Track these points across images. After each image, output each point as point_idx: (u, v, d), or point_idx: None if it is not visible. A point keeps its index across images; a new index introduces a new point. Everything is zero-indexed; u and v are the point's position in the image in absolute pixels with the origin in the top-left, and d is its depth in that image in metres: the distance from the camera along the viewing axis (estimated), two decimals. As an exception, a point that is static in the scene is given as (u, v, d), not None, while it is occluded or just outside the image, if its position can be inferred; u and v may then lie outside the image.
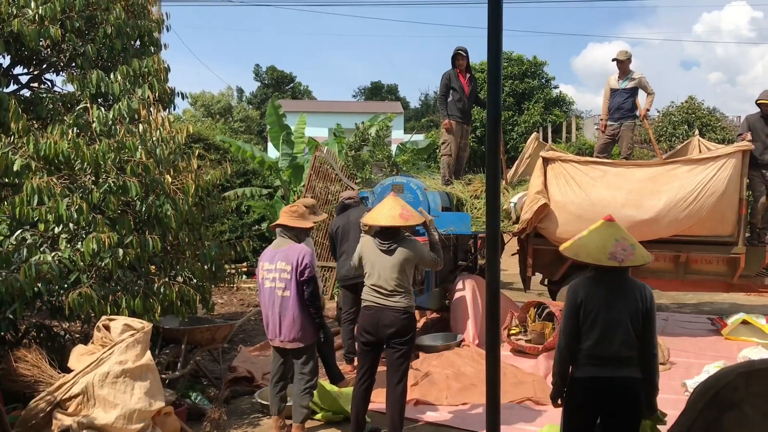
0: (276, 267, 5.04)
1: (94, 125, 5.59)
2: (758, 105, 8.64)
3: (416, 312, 8.49)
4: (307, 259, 5.03)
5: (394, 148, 15.57)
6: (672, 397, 5.74)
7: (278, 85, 52.46)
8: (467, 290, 8.06)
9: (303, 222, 5.23)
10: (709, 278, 8.56)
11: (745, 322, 8.35)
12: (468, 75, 9.53)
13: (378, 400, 5.45)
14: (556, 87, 31.62)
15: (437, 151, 12.72)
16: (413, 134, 23.64)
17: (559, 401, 3.76)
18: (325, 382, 5.66)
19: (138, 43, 6.90)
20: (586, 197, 8.03)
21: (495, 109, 2.69)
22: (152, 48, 6.99)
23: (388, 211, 5.00)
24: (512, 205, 8.73)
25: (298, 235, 5.22)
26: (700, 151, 8.99)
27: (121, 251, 5.09)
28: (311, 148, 14.26)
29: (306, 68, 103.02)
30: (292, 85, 53.83)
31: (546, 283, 9.38)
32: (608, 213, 4.06)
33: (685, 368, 6.96)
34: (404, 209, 5.02)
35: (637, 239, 3.86)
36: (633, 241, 3.66)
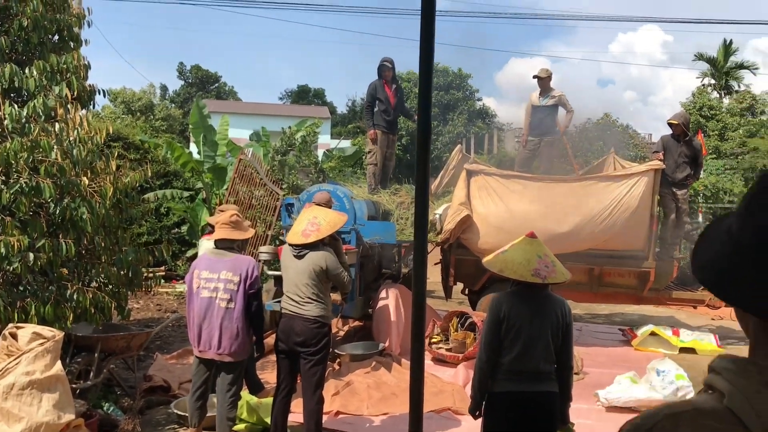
0: (219, 277, 4.83)
1: (5, 122, 5.30)
2: (669, 125, 9.09)
3: (339, 320, 8.52)
4: (256, 271, 4.91)
5: (320, 153, 15.51)
6: (584, 407, 5.93)
7: (203, 84, 51.35)
8: (390, 299, 8.10)
9: (243, 233, 5.13)
10: (621, 291, 8.94)
11: (653, 334, 8.76)
12: (394, 86, 9.62)
13: (298, 410, 5.40)
14: (479, 99, 32.34)
15: (364, 158, 12.76)
16: (341, 140, 23.67)
17: (477, 413, 3.81)
18: (244, 392, 5.56)
19: (57, 37, 6.59)
20: (507, 210, 8.23)
21: (425, 122, 2.70)
22: (72, 43, 6.69)
23: (296, 227, 5.03)
24: (437, 216, 8.86)
25: (240, 245, 5.13)
26: (614, 168, 9.37)
27: (31, 255, 4.84)
28: (233, 151, 13.97)
29: (232, 69, 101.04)
30: (217, 84, 52.79)
31: (467, 292, 9.54)
32: (528, 225, 4.18)
33: (597, 378, 7.21)
34: (310, 224, 4.94)
35: (555, 252, 3.98)
36: (553, 258, 3.77)
